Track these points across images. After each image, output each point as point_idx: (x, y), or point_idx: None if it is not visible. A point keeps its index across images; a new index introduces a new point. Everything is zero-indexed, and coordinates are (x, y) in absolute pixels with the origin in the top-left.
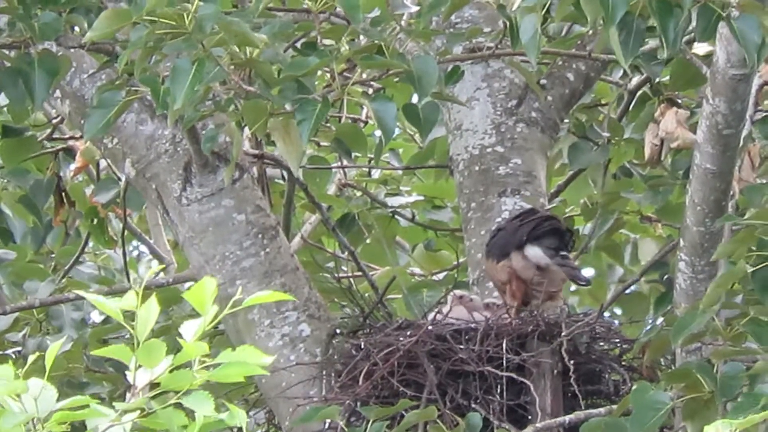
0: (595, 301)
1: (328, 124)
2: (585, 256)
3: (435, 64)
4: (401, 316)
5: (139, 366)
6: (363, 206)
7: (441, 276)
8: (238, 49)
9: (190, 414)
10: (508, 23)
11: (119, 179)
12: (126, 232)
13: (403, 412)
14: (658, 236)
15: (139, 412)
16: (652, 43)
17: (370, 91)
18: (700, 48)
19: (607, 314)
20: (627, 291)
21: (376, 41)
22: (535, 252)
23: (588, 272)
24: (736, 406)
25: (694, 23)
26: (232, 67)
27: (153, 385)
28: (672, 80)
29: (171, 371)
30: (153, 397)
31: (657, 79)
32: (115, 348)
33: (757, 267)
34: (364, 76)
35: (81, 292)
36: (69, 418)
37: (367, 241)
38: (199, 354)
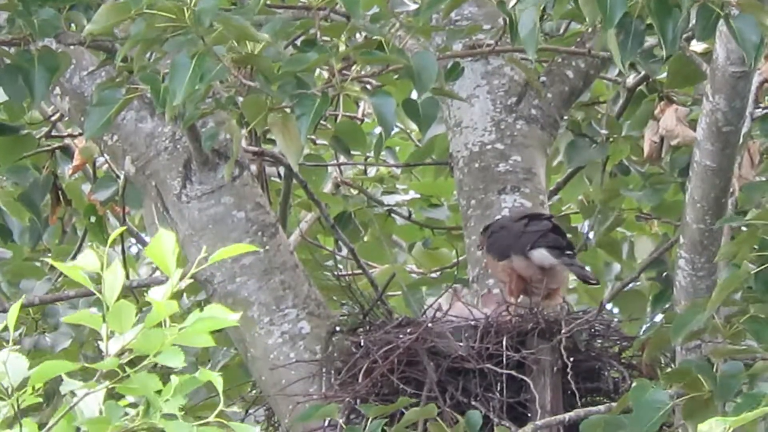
0: (592, 299)
1: (325, 122)
2: (583, 253)
3: (434, 60)
4: (401, 314)
5: (112, 334)
6: (361, 204)
7: (439, 274)
8: (239, 45)
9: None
10: (507, 20)
11: (118, 177)
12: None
13: (403, 410)
14: (654, 234)
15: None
16: (650, 40)
17: (368, 87)
18: (699, 45)
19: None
20: (624, 288)
21: (375, 37)
22: (539, 253)
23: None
24: (736, 407)
25: (693, 21)
26: (232, 62)
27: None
28: (670, 77)
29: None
30: (126, 363)
31: (654, 77)
32: (84, 314)
33: (761, 268)
34: (363, 72)
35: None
36: (43, 378)
37: (365, 238)
38: (169, 313)
